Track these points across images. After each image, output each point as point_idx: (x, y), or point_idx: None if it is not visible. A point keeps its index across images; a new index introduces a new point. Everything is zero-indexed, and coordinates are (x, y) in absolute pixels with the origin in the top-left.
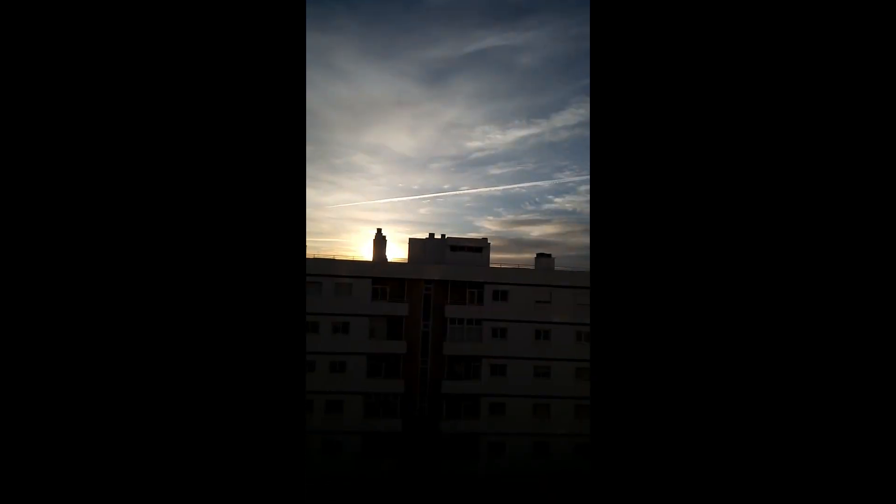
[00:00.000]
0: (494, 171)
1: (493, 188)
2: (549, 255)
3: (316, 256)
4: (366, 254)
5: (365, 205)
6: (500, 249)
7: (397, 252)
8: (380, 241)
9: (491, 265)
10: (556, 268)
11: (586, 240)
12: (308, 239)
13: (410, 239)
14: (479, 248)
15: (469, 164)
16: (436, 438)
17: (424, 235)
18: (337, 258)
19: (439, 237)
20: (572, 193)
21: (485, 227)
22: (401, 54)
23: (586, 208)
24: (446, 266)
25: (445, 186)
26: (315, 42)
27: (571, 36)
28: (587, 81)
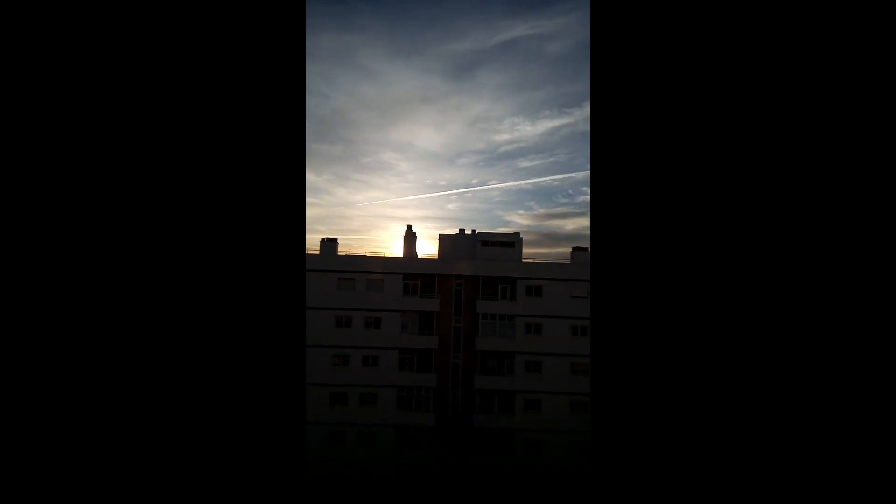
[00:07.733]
0: (525, 163)
1: (523, 181)
2: (585, 249)
3: (348, 253)
4: (396, 250)
5: (394, 202)
6: (533, 244)
7: (427, 248)
8: (410, 237)
9: (524, 260)
10: None
11: None
12: (340, 237)
13: (440, 235)
14: (510, 242)
15: (498, 158)
16: (469, 432)
17: (454, 231)
18: (368, 255)
19: (469, 233)
20: None
21: (516, 221)
22: (427, 50)
23: None
24: (477, 262)
25: (474, 181)
26: (341, 42)
27: None
28: None
